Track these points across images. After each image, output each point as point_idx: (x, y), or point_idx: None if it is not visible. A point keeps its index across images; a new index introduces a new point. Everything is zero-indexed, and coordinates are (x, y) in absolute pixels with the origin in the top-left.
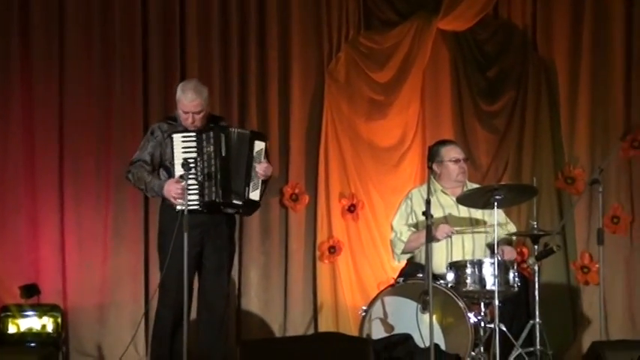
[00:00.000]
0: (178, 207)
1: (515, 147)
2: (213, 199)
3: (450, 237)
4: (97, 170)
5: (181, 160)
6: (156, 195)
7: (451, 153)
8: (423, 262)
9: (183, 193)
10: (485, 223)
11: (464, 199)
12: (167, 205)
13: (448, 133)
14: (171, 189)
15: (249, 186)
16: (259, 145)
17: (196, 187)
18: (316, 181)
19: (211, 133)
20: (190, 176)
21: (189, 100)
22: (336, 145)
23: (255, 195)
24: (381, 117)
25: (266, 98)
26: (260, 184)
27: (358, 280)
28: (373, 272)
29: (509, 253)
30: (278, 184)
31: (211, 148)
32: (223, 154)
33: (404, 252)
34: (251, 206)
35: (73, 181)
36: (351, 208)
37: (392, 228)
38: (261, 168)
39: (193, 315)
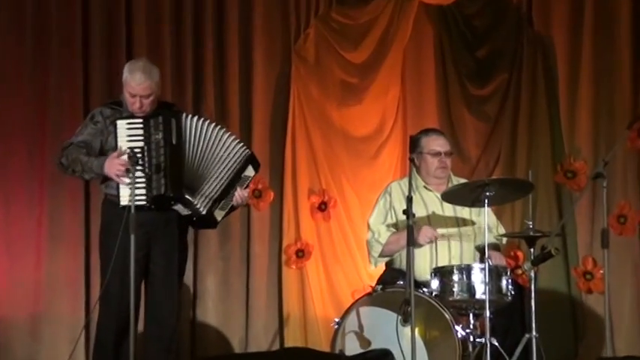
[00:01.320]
0: (123, 202)
1: (509, 136)
2: (162, 192)
3: (434, 242)
4: (29, 163)
5: (127, 150)
6: (95, 176)
7: (432, 144)
8: (403, 267)
9: (128, 171)
10: (473, 223)
11: (450, 196)
12: (110, 200)
13: (432, 121)
14: (113, 164)
15: (219, 202)
16: (250, 172)
17: (144, 180)
18: (282, 176)
19: (160, 119)
20: (137, 168)
21: (137, 81)
22: (304, 135)
23: (219, 214)
24: (355, 102)
25: (225, 81)
26: (228, 208)
27: (330, 288)
28: (347, 279)
29: (498, 259)
30: None
31: (160, 135)
32: (174, 142)
33: (382, 255)
34: (208, 221)
35: (0, 174)
36: (322, 207)
37: (368, 227)
38: (240, 195)
39: (140, 327)
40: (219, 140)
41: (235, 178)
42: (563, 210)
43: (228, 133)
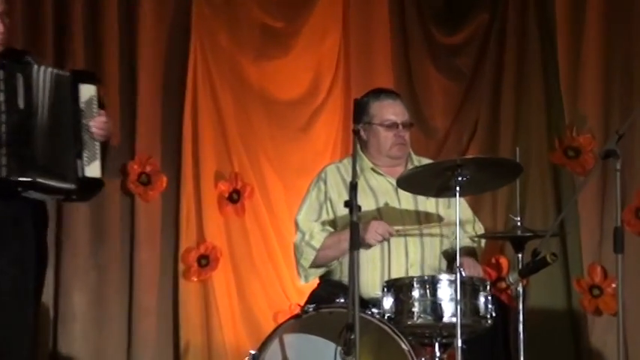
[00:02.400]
0: None
1: (489, 101)
2: (2, 176)
3: (388, 240)
4: None
5: None
6: None
7: (385, 112)
8: (344, 280)
9: None
10: (440, 219)
11: (408, 183)
12: None
13: (385, 79)
14: None
15: (81, 157)
16: (88, 91)
17: None
18: (179, 155)
19: (1, 73)
20: None
21: None
22: (209, 100)
23: (93, 169)
24: (280, 54)
25: (99, 24)
26: (98, 151)
27: (244, 309)
28: (267, 296)
29: (473, 268)
30: (119, 158)
31: (1, 97)
32: (21, 107)
33: (315, 264)
34: (89, 187)
35: None
36: (234, 197)
37: (297, 226)
38: (96, 124)
39: None
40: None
41: (76, 115)
42: (562, 201)
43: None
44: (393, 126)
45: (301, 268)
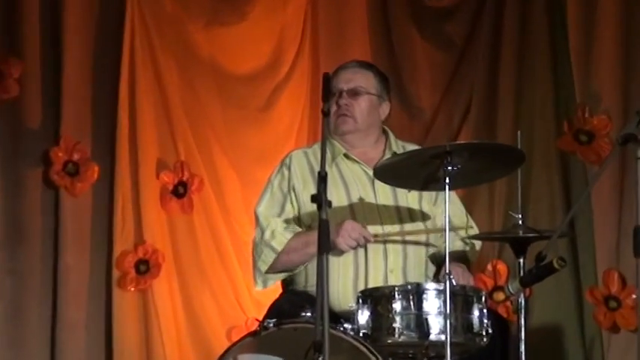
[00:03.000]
0: None
1: (484, 75)
2: None
3: (363, 247)
4: None
5: None
6: None
7: (334, 81)
8: (311, 289)
9: None
10: (425, 217)
11: (387, 173)
12: None
13: (360, 49)
14: None
15: None
16: None
17: None
18: (113, 140)
19: None
20: None
21: None
22: (150, 74)
23: None
24: (235, 20)
25: None
26: None
27: (192, 324)
28: (220, 308)
29: (465, 276)
30: (40, 143)
31: None
32: None
33: (275, 269)
34: None
35: None
36: (180, 190)
37: (256, 219)
38: None
39: None
40: None
41: None
42: (571, 195)
43: None
44: (336, 94)
45: (258, 272)
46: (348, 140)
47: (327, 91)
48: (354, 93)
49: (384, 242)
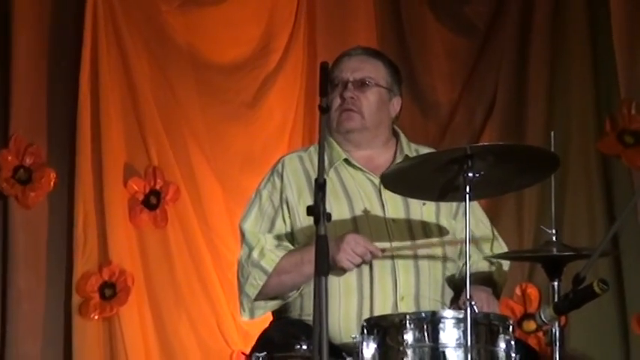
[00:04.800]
0: None
1: (512, 65)
2: None
3: (369, 264)
4: None
5: None
6: None
7: (334, 69)
8: (307, 317)
9: None
10: (442, 232)
11: (397, 181)
12: None
13: (365, 34)
14: None
15: None
16: None
17: None
18: (73, 142)
19: None
20: None
21: None
22: (116, 64)
23: None
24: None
25: None
26: None
27: (166, 357)
28: (199, 340)
29: (490, 302)
30: None
31: None
32: None
33: (266, 295)
34: None
35: None
36: (152, 201)
37: (242, 236)
38: None
39: None
40: None
41: None
42: (615, 206)
43: None
44: (340, 85)
45: (245, 297)
46: (353, 140)
47: (326, 83)
48: (362, 85)
49: (392, 257)
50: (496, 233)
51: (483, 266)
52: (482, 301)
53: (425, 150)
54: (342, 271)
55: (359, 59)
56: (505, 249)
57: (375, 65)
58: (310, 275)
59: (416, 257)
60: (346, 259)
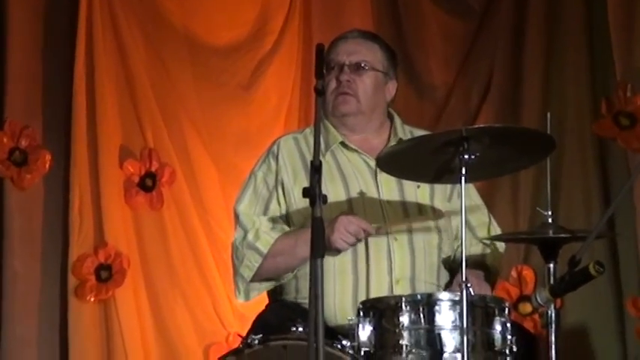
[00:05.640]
0: None
1: (508, 47)
2: None
3: (365, 242)
4: None
5: None
6: None
7: (331, 51)
8: (303, 300)
9: None
10: (437, 215)
11: (393, 163)
12: None
13: (360, 16)
14: None
15: None
16: None
17: None
18: (68, 124)
19: None
20: None
21: None
22: (111, 45)
23: None
24: None
25: None
26: None
27: (163, 340)
28: (196, 322)
29: (484, 285)
30: None
31: None
32: None
33: (260, 276)
34: None
35: None
36: (147, 183)
37: (236, 218)
38: None
39: None
40: None
41: None
42: (611, 189)
43: None
44: (336, 68)
45: (240, 279)
46: (348, 124)
47: (322, 65)
48: (358, 68)
49: (389, 249)
50: (490, 215)
51: (477, 249)
52: (473, 284)
53: (419, 132)
54: (336, 252)
55: (355, 42)
56: (498, 230)
57: (372, 49)
58: (304, 257)
59: (411, 240)
60: (340, 238)
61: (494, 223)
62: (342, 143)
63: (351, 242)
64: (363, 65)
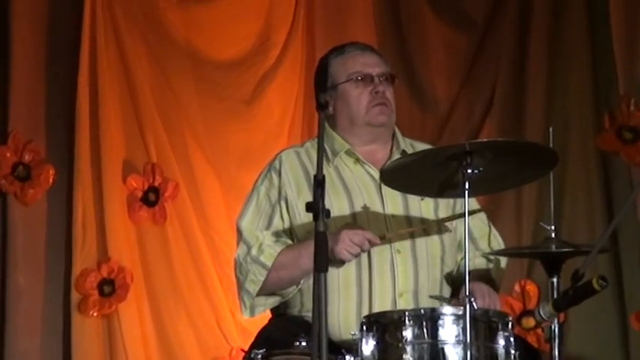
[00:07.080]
0: None
1: (510, 61)
2: None
3: (368, 254)
4: None
5: None
6: None
7: (350, 63)
8: (307, 314)
9: None
10: (441, 229)
11: (397, 176)
12: None
13: (363, 30)
14: None
15: None
16: None
17: None
18: (72, 139)
19: None
20: None
21: None
22: (115, 60)
23: None
24: None
25: None
26: None
27: (166, 355)
28: (199, 337)
29: (488, 298)
30: None
31: None
32: None
33: (266, 290)
34: None
35: None
36: (151, 198)
37: (239, 234)
38: None
39: None
40: None
41: None
42: (614, 203)
43: None
44: (366, 79)
45: (246, 294)
46: (378, 134)
47: (320, 80)
48: (386, 79)
49: (393, 262)
50: (493, 229)
51: (480, 263)
52: (483, 293)
53: (419, 145)
54: (341, 263)
55: (373, 55)
56: (502, 245)
57: (386, 62)
58: (308, 269)
59: (414, 253)
60: (345, 249)
61: (493, 230)
62: (348, 151)
63: (356, 253)
64: (389, 77)
